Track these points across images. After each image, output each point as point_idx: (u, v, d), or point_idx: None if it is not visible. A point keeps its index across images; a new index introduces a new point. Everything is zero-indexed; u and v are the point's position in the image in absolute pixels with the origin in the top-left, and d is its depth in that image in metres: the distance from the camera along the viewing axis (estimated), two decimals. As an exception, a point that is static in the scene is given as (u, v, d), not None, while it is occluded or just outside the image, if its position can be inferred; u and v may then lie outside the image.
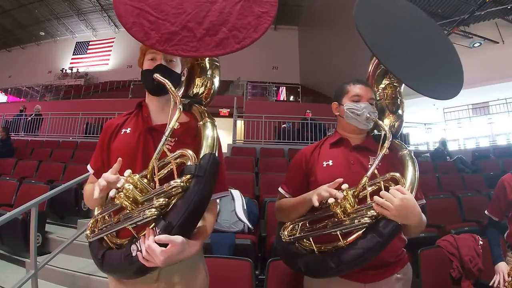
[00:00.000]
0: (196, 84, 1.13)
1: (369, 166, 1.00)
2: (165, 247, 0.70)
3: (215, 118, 0.96)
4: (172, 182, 0.75)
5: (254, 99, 11.34)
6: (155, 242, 0.70)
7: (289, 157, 5.36)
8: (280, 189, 1.20)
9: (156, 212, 0.73)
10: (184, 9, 0.94)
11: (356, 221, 0.88)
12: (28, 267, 2.16)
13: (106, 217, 0.89)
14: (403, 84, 1.24)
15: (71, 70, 17.39)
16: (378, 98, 1.23)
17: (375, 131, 1.19)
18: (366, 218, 0.87)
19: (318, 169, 1.09)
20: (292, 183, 1.17)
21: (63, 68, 17.50)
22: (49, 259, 2.38)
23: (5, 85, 15.14)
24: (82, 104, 11.00)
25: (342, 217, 0.91)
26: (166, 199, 0.75)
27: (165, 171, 0.83)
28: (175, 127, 0.81)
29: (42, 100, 13.20)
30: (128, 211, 0.78)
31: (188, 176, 0.76)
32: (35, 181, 3.69)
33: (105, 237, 0.87)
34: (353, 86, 1.12)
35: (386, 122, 1.22)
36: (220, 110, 10.22)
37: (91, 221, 0.93)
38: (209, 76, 1.15)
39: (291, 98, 12.30)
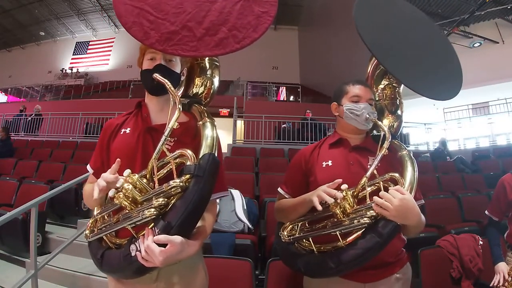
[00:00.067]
0: (195, 83, 1.13)
1: (369, 166, 1.00)
2: (164, 247, 0.70)
3: (215, 118, 0.96)
4: (171, 182, 0.75)
5: (254, 99, 11.34)
6: (154, 242, 0.70)
7: (289, 157, 5.35)
8: (279, 189, 1.20)
9: (155, 212, 0.73)
10: (184, 9, 0.94)
11: (355, 221, 0.88)
12: (28, 267, 2.16)
13: (106, 217, 0.89)
14: (402, 85, 1.24)
15: (71, 70, 17.40)
16: (377, 99, 1.23)
17: (374, 132, 1.19)
18: (365, 219, 0.87)
19: (317, 169, 1.09)
20: (291, 184, 1.17)
21: (63, 68, 17.51)
22: (49, 259, 2.38)
23: (5, 85, 15.14)
24: (82, 104, 11.00)
25: (342, 217, 0.91)
26: (165, 199, 0.75)
27: (165, 171, 0.83)
28: (175, 127, 0.81)
29: (42, 100, 13.20)
30: (127, 211, 0.78)
31: (187, 176, 0.76)
32: (35, 181, 3.69)
33: (104, 237, 0.87)
34: (353, 86, 1.12)
35: (385, 123, 1.22)
36: (220, 110, 10.22)
37: (90, 221, 0.93)
38: (208, 75, 1.15)
39: (291, 98, 12.29)
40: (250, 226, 2.33)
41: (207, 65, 1.15)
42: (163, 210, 0.74)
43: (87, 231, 0.92)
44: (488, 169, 5.00)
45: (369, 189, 0.95)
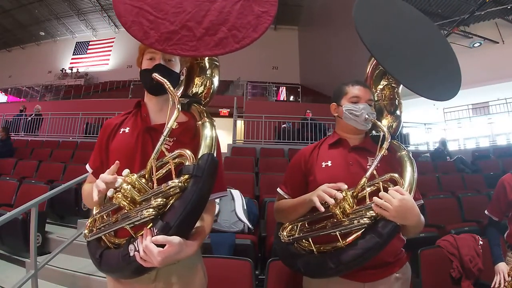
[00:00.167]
0: (195, 83, 1.12)
1: (368, 167, 1.00)
2: (163, 247, 0.70)
3: (214, 118, 0.95)
4: (170, 182, 0.75)
5: (254, 99, 11.34)
6: (153, 242, 0.70)
7: (289, 157, 5.35)
8: (278, 189, 1.20)
9: (153, 212, 0.72)
10: (183, 8, 0.94)
11: (355, 221, 0.88)
12: (28, 267, 2.16)
13: (105, 216, 0.89)
14: (401, 85, 1.24)
15: (71, 70, 17.40)
16: (376, 99, 1.23)
17: (373, 132, 1.19)
18: (365, 219, 0.87)
19: (317, 169, 1.09)
20: (291, 184, 1.17)
21: (63, 68, 17.51)
22: (49, 259, 2.38)
23: (5, 85, 15.15)
24: (82, 104, 11.00)
25: (341, 217, 0.91)
26: (164, 199, 0.74)
27: (164, 171, 0.83)
28: (174, 127, 0.81)
29: (42, 100, 13.20)
30: (126, 211, 0.78)
31: (186, 176, 0.76)
32: (35, 181, 3.69)
33: (103, 237, 0.87)
34: (352, 87, 1.12)
35: (384, 123, 1.22)
36: (220, 110, 10.23)
37: (89, 221, 0.93)
38: (208, 75, 1.14)
39: (291, 98, 12.29)
40: (250, 226, 2.33)
41: (207, 64, 1.14)
42: (162, 210, 0.74)
43: (86, 231, 0.92)
44: (488, 169, 5.00)
45: (368, 189, 0.95)
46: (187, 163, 0.79)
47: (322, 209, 0.91)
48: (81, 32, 17.59)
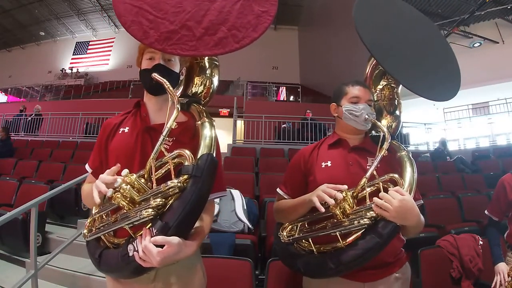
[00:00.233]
0: (195, 83, 1.12)
1: (368, 167, 1.01)
2: (162, 247, 0.70)
3: (214, 118, 0.95)
4: (169, 183, 0.75)
5: (254, 99, 11.33)
6: (152, 243, 0.70)
7: (289, 157, 5.35)
8: (278, 190, 1.19)
9: (153, 213, 0.72)
10: (183, 8, 0.94)
11: (355, 222, 0.88)
12: (28, 267, 2.16)
13: (104, 216, 0.89)
14: (401, 85, 1.24)
15: (71, 70, 17.40)
16: (375, 99, 1.23)
17: (373, 132, 1.19)
18: (365, 219, 0.87)
19: (317, 169, 1.09)
20: (291, 184, 1.16)
21: (63, 68, 17.51)
22: (49, 259, 2.38)
23: (5, 85, 15.14)
24: (82, 104, 11.00)
25: (342, 218, 0.91)
26: (163, 200, 0.74)
27: (163, 171, 0.83)
28: (173, 127, 0.81)
29: (42, 100, 13.20)
30: (125, 211, 0.78)
31: (185, 177, 0.76)
32: (35, 181, 3.69)
33: (102, 237, 0.87)
34: (352, 87, 1.11)
35: (384, 123, 1.22)
36: (220, 110, 10.23)
37: (88, 220, 0.93)
38: (208, 75, 1.14)
39: (291, 98, 12.29)
40: (250, 226, 2.33)
41: (207, 64, 1.14)
42: (161, 211, 0.74)
43: (85, 231, 0.92)
44: (488, 169, 5.00)
45: (368, 190, 0.95)
46: (186, 163, 0.79)
47: (322, 209, 0.91)
48: (81, 32, 17.59)
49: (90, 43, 17.96)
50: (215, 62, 1.16)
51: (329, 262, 0.90)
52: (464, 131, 10.73)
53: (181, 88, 1.13)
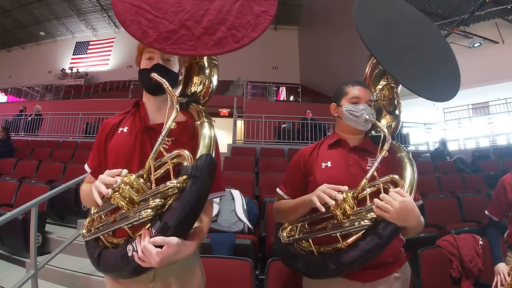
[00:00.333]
0: (194, 82, 1.12)
1: (368, 167, 1.01)
2: (161, 248, 0.70)
3: (214, 118, 0.95)
4: (168, 183, 0.75)
5: (254, 99, 11.33)
6: (151, 243, 0.70)
7: (289, 157, 5.35)
8: (278, 190, 1.19)
9: (152, 213, 0.72)
10: (182, 7, 0.94)
11: (356, 223, 0.88)
12: (28, 267, 2.16)
13: (103, 216, 0.89)
14: (400, 85, 1.24)
15: (71, 70, 17.40)
16: (375, 99, 1.23)
17: (373, 132, 1.19)
18: (366, 221, 0.87)
19: (317, 170, 1.08)
20: (290, 184, 1.16)
21: (63, 68, 17.51)
22: (49, 259, 2.38)
23: (5, 85, 15.14)
24: (82, 104, 11.00)
25: (342, 219, 0.91)
26: (162, 200, 0.74)
27: (162, 171, 0.83)
28: (172, 127, 0.81)
29: (42, 100, 13.20)
30: (124, 211, 0.78)
31: (184, 177, 0.76)
32: (35, 181, 3.69)
33: (101, 237, 0.87)
34: (352, 87, 1.11)
35: (383, 123, 1.22)
36: (220, 110, 10.23)
37: (87, 220, 0.93)
38: (207, 74, 1.14)
39: (291, 98, 12.29)
40: (250, 226, 2.33)
41: (206, 63, 1.14)
42: (160, 211, 0.74)
43: (84, 230, 0.91)
44: (488, 169, 5.00)
45: (368, 190, 0.95)
46: (185, 163, 0.79)
47: (323, 209, 0.91)
48: (81, 32, 17.59)
49: (90, 43, 17.96)
50: (214, 62, 1.16)
51: (330, 262, 0.90)
52: (464, 131, 10.74)
53: (180, 88, 1.13)
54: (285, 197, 1.15)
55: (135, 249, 0.73)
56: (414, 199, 0.93)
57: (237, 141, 6.99)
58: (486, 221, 1.65)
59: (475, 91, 9.15)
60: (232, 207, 2.37)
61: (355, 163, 1.06)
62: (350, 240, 0.89)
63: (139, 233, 0.75)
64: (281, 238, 1.07)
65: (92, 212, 0.92)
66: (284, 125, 7.38)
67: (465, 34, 10.36)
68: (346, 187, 0.91)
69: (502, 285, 1.38)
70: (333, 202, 0.88)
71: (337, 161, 1.08)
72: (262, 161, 4.84)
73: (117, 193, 0.75)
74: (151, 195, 0.76)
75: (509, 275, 1.37)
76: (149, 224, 0.73)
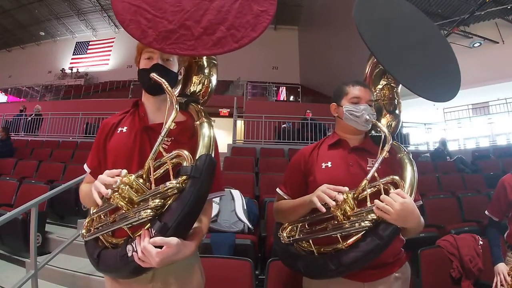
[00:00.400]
0: (193, 82, 1.12)
1: (368, 168, 1.00)
2: (161, 248, 0.70)
3: (214, 118, 0.95)
4: (167, 183, 0.74)
5: (254, 99, 11.33)
6: (151, 243, 0.70)
7: (289, 157, 5.35)
8: (278, 190, 1.19)
9: (151, 213, 0.72)
10: (182, 7, 0.93)
11: (356, 224, 0.88)
12: (28, 267, 2.16)
13: (102, 216, 0.88)
14: (400, 85, 1.24)
15: (71, 70, 17.39)
16: (375, 99, 1.23)
17: (373, 132, 1.19)
18: (366, 222, 0.87)
19: (317, 170, 1.08)
20: (290, 184, 1.16)
21: (63, 68, 17.51)
22: (49, 259, 2.38)
23: (5, 85, 15.15)
24: (82, 104, 10.99)
25: (342, 219, 0.91)
26: (162, 200, 0.74)
27: (161, 171, 0.83)
28: (171, 127, 0.81)
29: (42, 100, 13.20)
30: (123, 211, 0.77)
31: (184, 177, 0.76)
32: (35, 181, 3.69)
33: (100, 237, 0.87)
34: (353, 87, 1.11)
35: (383, 122, 1.22)
36: (220, 110, 10.23)
37: (87, 220, 0.92)
38: (206, 74, 1.14)
39: (291, 98, 12.29)
40: (250, 226, 2.33)
41: (205, 63, 1.14)
42: (160, 211, 0.74)
43: (83, 231, 0.91)
44: (488, 169, 5.00)
45: (369, 191, 0.95)
46: (185, 164, 0.79)
47: (323, 209, 0.90)
48: (81, 32, 17.59)
49: (90, 43, 17.96)
50: (213, 61, 1.16)
51: (330, 263, 0.90)
52: (464, 131, 10.73)
53: (179, 87, 1.12)
54: (285, 197, 1.15)
55: (135, 250, 0.72)
56: (414, 199, 0.93)
57: (237, 141, 6.99)
58: (486, 221, 1.65)
59: (475, 91, 9.15)
60: (232, 207, 2.37)
61: (355, 163, 1.06)
62: (350, 240, 0.89)
63: (139, 233, 0.75)
64: (281, 238, 1.07)
65: (91, 212, 0.92)
66: (284, 125, 7.38)
67: (465, 34, 10.36)
68: (346, 188, 0.91)
69: (502, 285, 1.38)
70: (334, 203, 0.88)
71: (337, 161, 1.08)
72: (262, 161, 4.84)
73: (116, 193, 0.75)
74: (150, 196, 0.76)
75: (509, 275, 1.37)
76: (149, 224, 0.73)
